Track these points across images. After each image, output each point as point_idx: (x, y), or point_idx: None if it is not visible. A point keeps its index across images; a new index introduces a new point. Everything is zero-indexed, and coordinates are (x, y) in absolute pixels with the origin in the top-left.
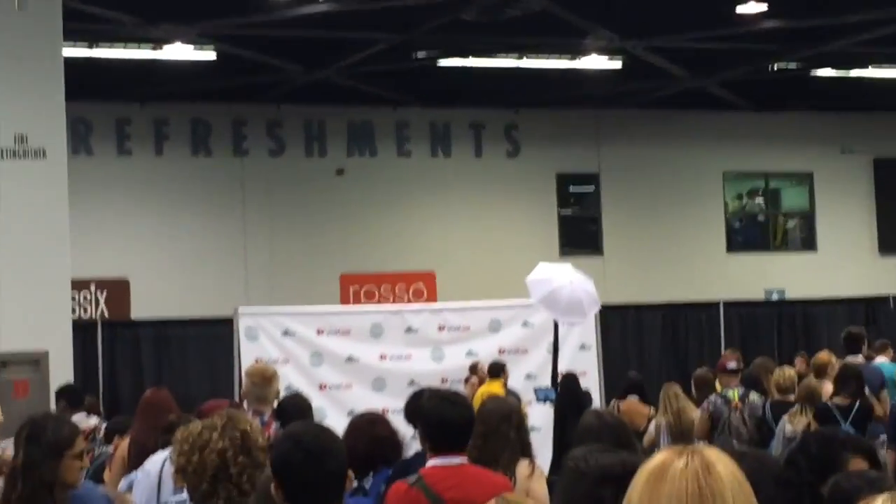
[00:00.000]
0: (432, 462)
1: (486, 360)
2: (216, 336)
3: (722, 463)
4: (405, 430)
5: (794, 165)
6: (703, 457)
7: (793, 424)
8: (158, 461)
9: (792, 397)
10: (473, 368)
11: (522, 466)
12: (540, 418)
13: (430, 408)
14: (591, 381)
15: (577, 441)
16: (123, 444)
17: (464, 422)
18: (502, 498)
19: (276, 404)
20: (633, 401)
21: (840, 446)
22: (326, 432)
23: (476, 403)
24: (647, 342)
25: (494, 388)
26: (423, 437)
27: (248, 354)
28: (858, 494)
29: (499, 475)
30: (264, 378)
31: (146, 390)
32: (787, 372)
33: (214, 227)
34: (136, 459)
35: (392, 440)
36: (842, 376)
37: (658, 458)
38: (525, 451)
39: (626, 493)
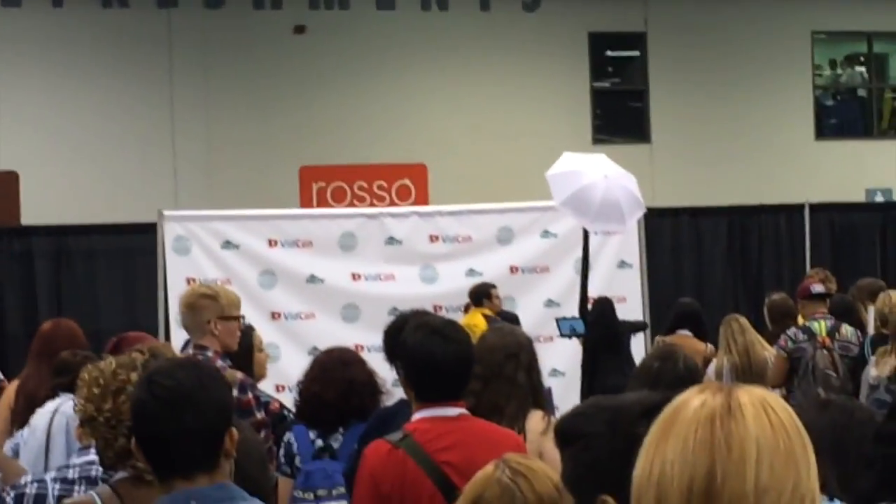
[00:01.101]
0: (421, 414)
1: (492, 280)
2: (134, 248)
3: (755, 406)
4: (385, 374)
5: None
6: (731, 396)
7: (878, 367)
8: (47, 413)
9: None
10: (478, 294)
11: (534, 419)
12: (564, 359)
13: (415, 342)
14: (633, 310)
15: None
16: (10, 392)
17: (460, 362)
18: (504, 461)
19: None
20: (684, 336)
21: None
22: (200, 375)
23: None
24: (707, 258)
25: (475, 320)
26: (407, 381)
27: (177, 273)
28: None
29: (507, 431)
30: (186, 305)
31: (43, 322)
32: (894, 298)
33: (131, 104)
34: (25, 413)
35: (369, 386)
36: None
37: (681, 395)
38: (537, 399)
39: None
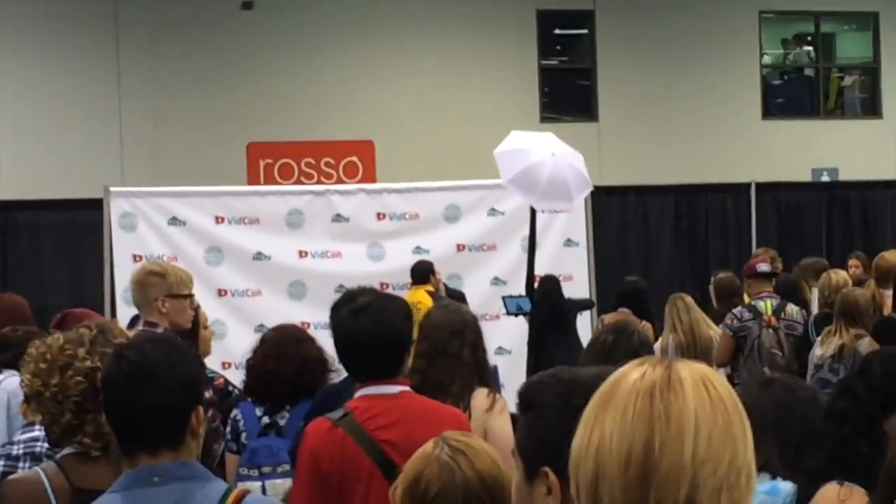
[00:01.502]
0: (362, 392)
1: (439, 258)
2: (80, 224)
3: (695, 379)
4: (332, 351)
5: (854, 3)
6: (671, 369)
7: (823, 347)
8: None
9: None
10: (423, 271)
11: (479, 397)
12: (510, 337)
13: (338, 322)
14: (580, 288)
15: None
16: None
17: (383, 340)
18: (443, 439)
19: None
20: (624, 314)
21: None
22: (170, 352)
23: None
24: (654, 237)
25: (419, 297)
26: (340, 360)
27: (123, 249)
28: None
29: (451, 408)
30: (135, 282)
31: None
32: (837, 277)
33: (77, 79)
34: None
35: (321, 364)
36: None
37: (621, 368)
38: (483, 377)
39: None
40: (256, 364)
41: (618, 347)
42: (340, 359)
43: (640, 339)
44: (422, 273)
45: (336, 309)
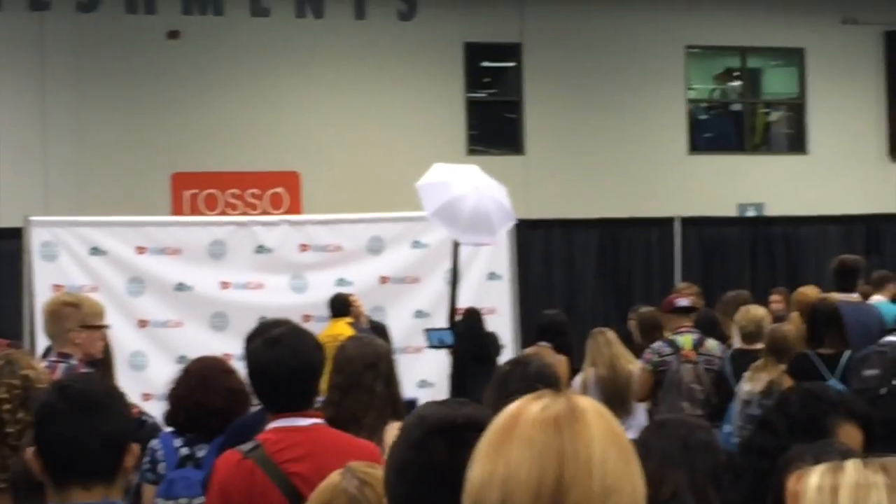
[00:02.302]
0: (274, 424)
1: (362, 290)
2: (1, 254)
3: (595, 411)
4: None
5: (781, 39)
6: (571, 401)
7: (752, 382)
8: None
9: (759, 346)
10: (342, 303)
11: (392, 431)
12: (433, 369)
13: (251, 353)
14: (502, 322)
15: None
16: None
17: (297, 371)
18: (349, 470)
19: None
20: (544, 348)
21: (829, 407)
22: (109, 387)
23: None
24: (579, 271)
25: (339, 329)
26: (254, 391)
27: (44, 279)
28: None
29: (363, 442)
30: (48, 312)
31: None
32: (754, 312)
33: (2, 107)
34: None
35: (245, 395)
36: (818, 315)
37: (513, 405)
38: (396, 410)
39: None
40: (182, 395)
41: (511, 377)
42: (254, 389)
43: (535, 370)
44: (341, 305)
45: (250, 339)
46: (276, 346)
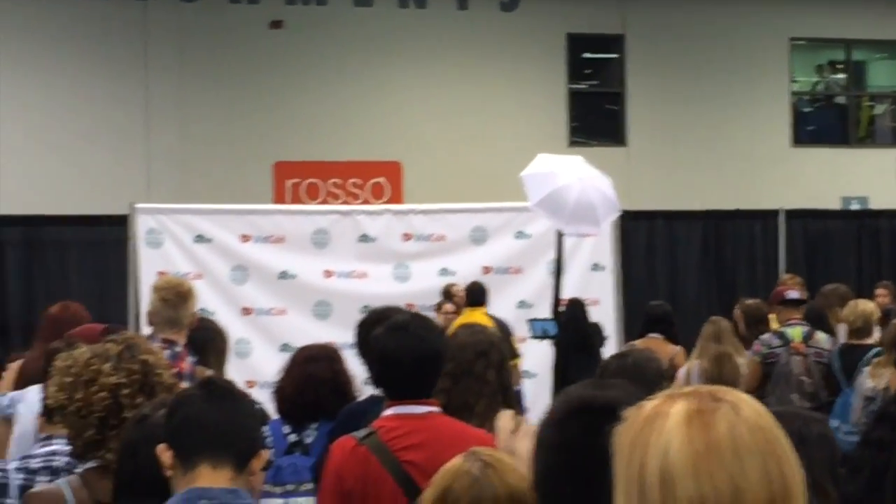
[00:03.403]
0: (390, 411)
1: (465, 280)
2: (106, 240)
3: (752, 408)
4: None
5: (886, 31)
6: (729, 398)
7: (875, 379)
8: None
9: (869, 341)
10: (448, 293)
11: (504, 419)
12: (536, 360)
13: (376, 339)
14: (606, 313)
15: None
16: (12, 372)
17: (423, 359)
18: (473, 453)
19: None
20: (655, 339)
21: None
22: (240, 394)
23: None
24: (681, 262)
25: (477, 319)
26: (374, 378)
27: (149, 266)
28: None
29: (478, 431)
30: (178, 294)
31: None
32: (862, 307)
33: (105, 96)
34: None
35: (330, 383)
36: None
37: (660, 397)
38: (508, 398)
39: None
40: (289, 381)
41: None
42: (376, 375)
43: (633, 362)
44: (478, 294)
45: (364, 326)
46: (403, 332)
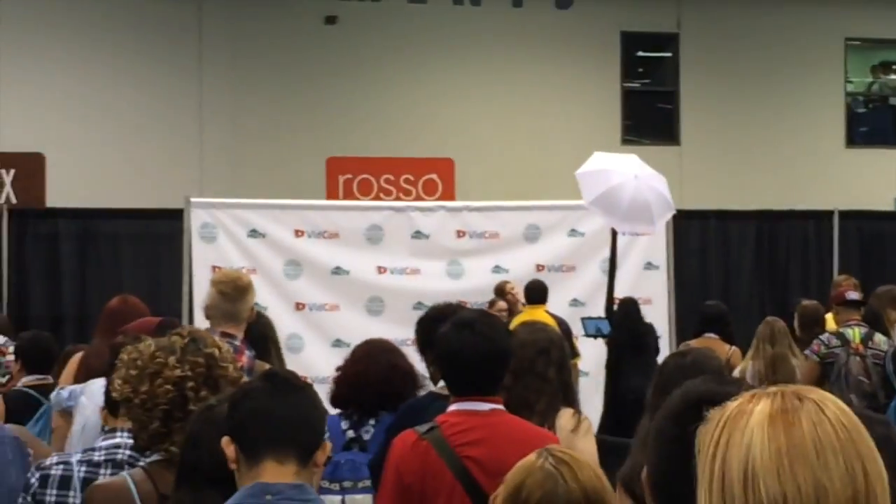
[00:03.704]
0: (454, 407)
1: (518, 278)
2: (160, 234)
3: (837, 406)
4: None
5: None
6: (814, 396)
7: None
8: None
9: None
10: (500, 290)
11: (565, 417)
12: (589, 358)
13: (443, 336)
14: (659, 312)
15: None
16: (73, 364)
17: (488, 356)
18: (547, 450)
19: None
20: (711, 339)
21: None
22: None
23: None
24: (735, 262)
25: (538, 316)
26: (441, 375)
27: (203, 260)
28: None
29: (541, 430)
30: (237, 289)
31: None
32: None
33: (160, 90)
34: None
35: (410, 375)
36: None
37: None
38: (568, 397)
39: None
40: (345, 371)
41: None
42: (442, 371)
43: (692, 360)
44: (539, 292)
45: (426, 323)
46: (469, 330)
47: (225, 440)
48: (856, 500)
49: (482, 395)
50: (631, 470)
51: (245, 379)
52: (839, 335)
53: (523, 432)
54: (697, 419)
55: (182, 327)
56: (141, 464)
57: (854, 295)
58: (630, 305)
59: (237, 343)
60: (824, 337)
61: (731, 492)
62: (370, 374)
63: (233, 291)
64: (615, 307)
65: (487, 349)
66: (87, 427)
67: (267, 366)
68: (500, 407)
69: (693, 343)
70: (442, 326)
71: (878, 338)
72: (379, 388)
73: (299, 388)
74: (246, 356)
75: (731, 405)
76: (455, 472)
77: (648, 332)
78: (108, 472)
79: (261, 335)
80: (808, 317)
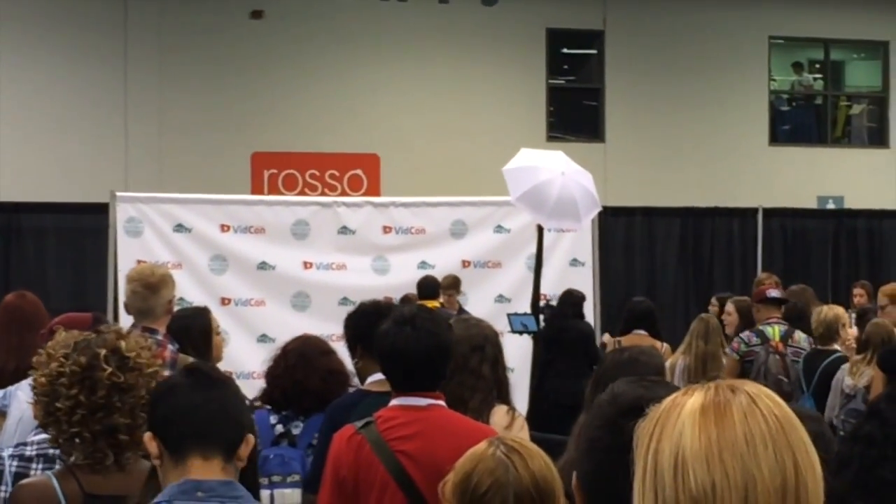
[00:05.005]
0: (394, 402)
1: (444, 274)
2: (85, 228)
3: (770, 399)
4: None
5: (865, 32)
6: (748, 389)
7: (854, 377)
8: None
9: (836, 346)
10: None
11: (499, 413)
12: (514, 354)
13: (384, 333)
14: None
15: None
16: None
17: (431, 352)
18: (498, 439)
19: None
20: (640, 336)
21: None
22: (227, 376)
23: None
24: (660, 259)
25: None
26: (382, 371)
27: (128, 254)
28: None
29: (480, 425)
30: (148, 285)
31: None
32: (826, 314)
33: (84, 84)
34: None
35: (344, 375)
36: None
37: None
38: (502, 393)
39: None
40: (281, 374)
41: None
42: (383, 368)
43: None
44: (430, 288)
45: (356, 319)
46: (411, 326)
47: (147, 436)
48: (785, 490)
49: (423, 390)
50: (561, 469)
51: (168, 373)
52: (759, 332)
53: (459, 427)
54: (630, 429)
55: (107, 325)
56: (68, 463)
57: (774, 292)
58: (575, 297)
59: (159, 337)
60: (744, 335)
61: (662, 482)
62: (309, 383)
63: (143, 289)
64: (542, 304)
65: (430, 344)
66: (24, 420)
67: (190, 359)
68: (440, 402)
69: (623, 340)
70: (382, 323)
71: (799, 336)
72: (317, 396)
73: (221, 382)
74: (168, 350)
75: (667, 400)
76: (387, 465)
77: (580, 335)
78: (40, 466)
79: (185, 329)
80: (747, 313)
